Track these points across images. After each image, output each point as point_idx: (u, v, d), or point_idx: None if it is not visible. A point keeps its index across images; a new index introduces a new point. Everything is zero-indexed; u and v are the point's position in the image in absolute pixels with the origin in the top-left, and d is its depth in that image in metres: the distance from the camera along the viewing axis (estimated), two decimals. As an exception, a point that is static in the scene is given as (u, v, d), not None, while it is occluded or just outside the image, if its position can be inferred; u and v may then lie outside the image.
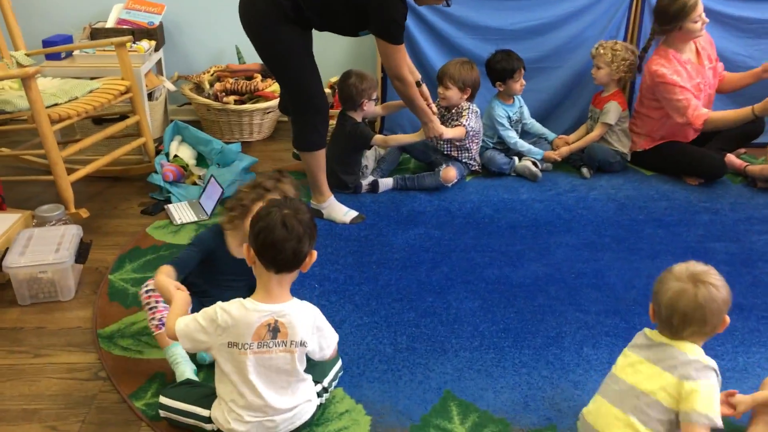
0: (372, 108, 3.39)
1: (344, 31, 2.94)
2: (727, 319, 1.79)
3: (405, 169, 3.68)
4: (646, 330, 1.88)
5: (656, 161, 3.64)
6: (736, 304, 2.53)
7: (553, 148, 3.72)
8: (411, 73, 3.08)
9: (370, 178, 3.44)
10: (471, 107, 3.48)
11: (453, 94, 3.44)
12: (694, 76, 3.46)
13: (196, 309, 2.18)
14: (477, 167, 3.61)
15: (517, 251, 2.93)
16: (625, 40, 3.76)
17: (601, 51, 3.52)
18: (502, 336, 2.39)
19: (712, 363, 1.74)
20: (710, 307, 1.73)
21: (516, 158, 3.64)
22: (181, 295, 1.94)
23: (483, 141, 3.67)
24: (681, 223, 3.15)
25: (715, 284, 1.74)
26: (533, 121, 3.80)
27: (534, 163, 3.59)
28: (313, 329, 1.86)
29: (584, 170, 3.63)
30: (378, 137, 3.33)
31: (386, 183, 3.44)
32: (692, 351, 1.75)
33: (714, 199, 3.38)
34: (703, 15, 3.36)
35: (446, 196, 3.41)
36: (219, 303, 1.82)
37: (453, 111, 3.50)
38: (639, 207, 3.31)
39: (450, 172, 3.43)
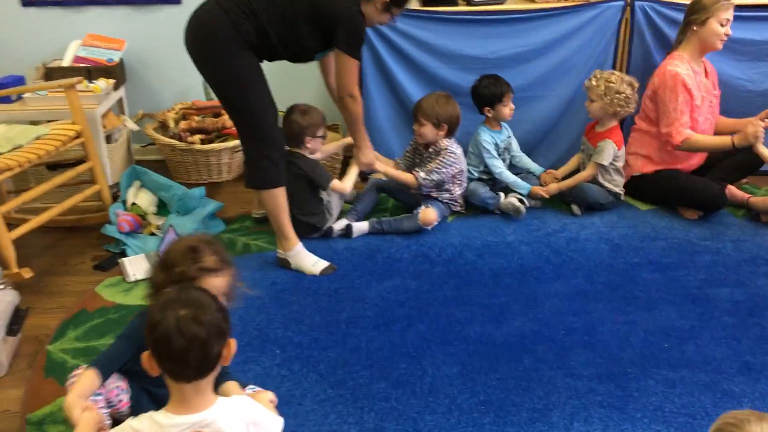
0: (318, 146, 3.17)
1: (304, 54, 2.81)
2: None
3: (384, 209, 3.43)
4: None
5: (654, 189, 3.40)
6: (744, 363, 2.31)
7: (541, 184, 3.48)
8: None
9: (344, 222, 3.18)
10: (450, 148, 3.24)
11: (427, 130, 3.21)
12: (701, 89, 3.27)
13: (144, 402, 1.97)
14: (460, 208, 3.36)
15: (502, 304, 2.68)
16: (613, 66, 3.53)
17: (594, 83, 3.28)
18: (482, 410, 2.13)
19: None
20: None
21: (501, 194, 3.40)
22: (86, 419, 1.70)
23: (469, 171, 3.44)
24: (680, 266, 2.90)
25: None
26: (522, 154, 3.56)
27: (520, 200, 3.34)
28: (247, 427, 1.59)
29: (574, 207, 3.38)
30: (335, 183, 3.12)
31: (361, 227, 3.19)
32: None
33: (715, 236, 3.13)
34: (729, 27, 3.19)
35: (426, 240, 3.16)
36: (129, 420, 1.55)
37: (431, 149, 3.27)
38: (634, 248, 3.05)
39: (429, 215, 3.18)
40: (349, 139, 3.28)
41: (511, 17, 3.48)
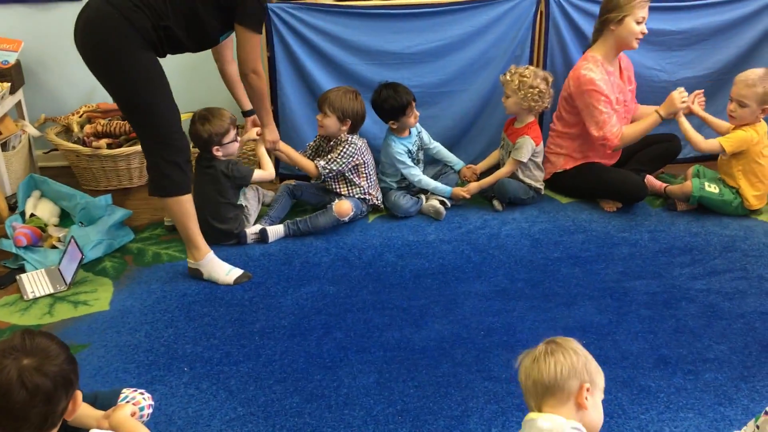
0: (231, 150, 3.05)
1: (208, 38, 2.70)
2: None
3: (302, 212, 3.33)
4: None
5: (575, 183, 3.40)
6: (660, 356, 2.30)
7: (461, 178, 3.43)
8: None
9: (258, 227, 3.07)
10: (350, 139, 3.16)
11: (331, 123, 3.13)
12: (615, 91, 3.26)
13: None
14: (377, 201, 3.28)
15: (421, 306, 2.61)
16: (530, 60, 3.50)
17: (509, 78, 3.25)
18: (399, 420, 2.06)
19: None
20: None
21: (423, 197, 3.33)
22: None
23: (385, 183, 3.36)
24: (599, 259, 2.89)
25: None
26: (438, 145, 3.50)
27: (441, 201, 3.28)
28: None
29: (496, 203, 3.35)
30: (258, 172, 3.09)
31: (277, 231, 3.08)
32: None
33: (633, 227, 3.14)
34: (645, 26, 3.16)
35: (345, 242, 3.07)
36: None
37: (332, 143, 3.19)
38: (554, 242, 3.04)
39: (343, 205, 3.10)
40: (249, 135, 3.18)
41: (427, 11, 3.40)
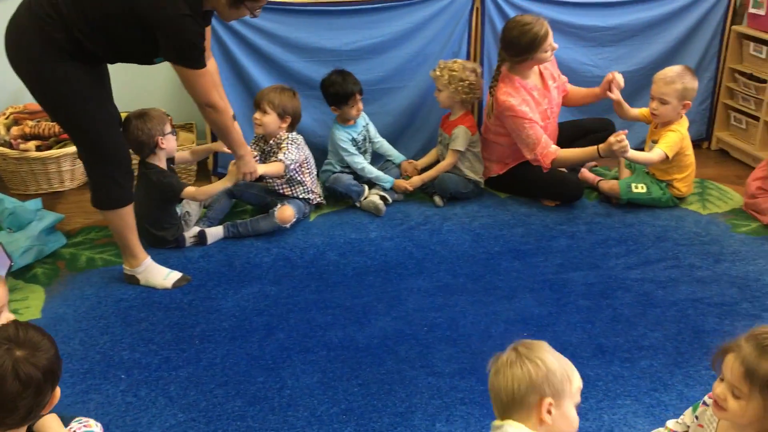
0: (173, 144, 2.95)
1: (137, 59, 2.49)
2: None
3: (243, 212, 3.28)
4: None
5: (511, 185, 3.44)
6: (598, 346, 2.35)
7: (401, 172, 3.45)
8: (223, 100, 2.64)
9: (196, 229, 3.00)
10: (291, 137, 3.13)
11: (270, 120, 3.08)
12: (541, 102, 3.28)
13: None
14: (319, 199, 3.26)
15: (365, 304, 2.60)
16: (467, 55, 3.54)
17: (439, 73, 3.27)
18: (343, 419, 2.04)
19: None
20: None
21: (365, 186, 3.33)
22: None
23: (331, 165, 3.34)
24: (538, 252, 2.94)
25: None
26: (382, 140, 3.50)
27: (382, 197, 3.28)
28: None
29: (437, 199, 3.37)
30: (188, 190, 2.90)
31: (215, 233, 3.02)
32: None
33: (571, 220, 3.20)
34: (553, 42, 3.17)
35: (287, 242, 3.04)
36: None
37: (272, 142, 3.15)
38: (495, 236, 3.07)
39: (286, 212, 3.06)
40: (220, 147, 3.10)
41: (364, 8, 3.40)
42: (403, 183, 3.35)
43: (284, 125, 3.10)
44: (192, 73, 2.37)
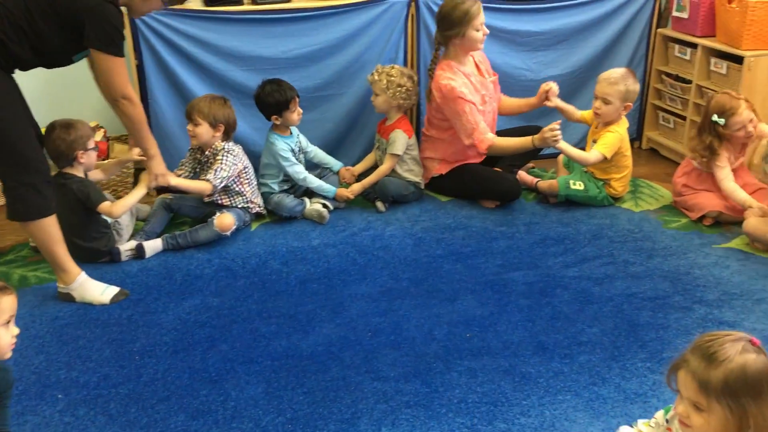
0: (92, 159, 2.90)
1: (57, 57, 2.50)
2: None
3: (181, 225, 3.23)
4: None
5: (452, 185, 3.48)
6: (539, 343, 2.40)
7: (339, 179, 3.45)
8: None
9: (134, 243, 2.95)
10: (227, 147, 3.10)
11: (203, 130, 3.05)
12: (479, 89, 3.35)
13: None
14: (259, 209, 3.23)
15: (308, 312, 2.60)
16: (405, 61, 3.57)
17: (377, 77, 3.30)
18: (289, 429, 2.03)
19: None
20: None
21: (306, 199, 3.32)
22: None
23: (268, 186, 3.32)
24: (479, 254, 2.98)
25: None
26: (315, 148, 3.50)
27: (324, 204, 3.29)
28: None
29: (379, 204, 3.39)
30: (103, 206, 2.82)
31: (154, 246, 2.97)
32: None
33: (510, 222, 3.26)
34: (485, 27, 3.26)
35: (228, 252, 3.01)
36: None
37: (207, 153, 3.12)
38: (437, 240, 3.11)
39: (225, 219, 3.03)
40: (130, 156, 3.04)
41: (299, 15, 3.40)
42: (344, 192, 3.36)
43: (218, 134, 3.07)
44: (115, 61, 2.46)
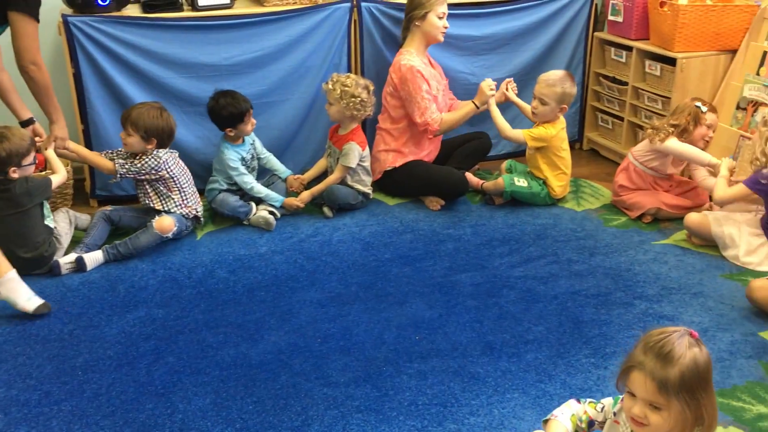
0: (28, 172, 2.82)
1: None
2: None
3: (124, 234, 3.15)
4: None
5: (403, 182, 3.51)
6: (487, 343, 2.43)
7: (287, 187, 3.44)
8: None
9: (74, 255, 2.87)
10: (156, 153, 3.04)
11: (134, 141, 3.01)
12: (435, 78, 3.45)
13: None
14: (196, 213, 3.18)
15: (257, 320, 2.57)
16: (348, 66, 3.58)
17: (331, 86, 3.30)
18: (239, 439, 2.01)
19: None
20: None
21: (253, 204, 3.29)
22: None
23: (217, 182, 3.28)
24: (427, 257, 3.00)
25: None
26: (268, 154, 3.48)
27: (271, 211, 3.26)
28: None
29: (326, 210, 3.38)
30: (54, 179, 2.92)
31: (95, 258, 2.89)
32: None
33: (456, 224, 3.30)
34: (446, 21, 3.37)
35: (173, 262, 2.96)
36: None
37: (137, 157, 3.07)
38: (385, 244, 3.12)
39: (165, 221, 2.99)
40: (53, 168, 2.99)
41: (240, 22, 3.37)
42: (293, 201, 3.34)
43: (150, 147, 3.03)
44: (32, 25, 2.63)
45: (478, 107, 3.42)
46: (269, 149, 3.54)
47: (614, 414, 1.65)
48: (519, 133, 3.39)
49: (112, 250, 2.93)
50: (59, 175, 2.95)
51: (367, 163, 3.45)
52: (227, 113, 3.18)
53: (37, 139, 2.92)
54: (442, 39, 3.43)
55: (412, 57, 3.37)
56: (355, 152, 3.34)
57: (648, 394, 1.45)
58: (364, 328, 2.53)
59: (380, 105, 3.55)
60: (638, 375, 1.46)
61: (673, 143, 3.15)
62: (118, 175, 3.04)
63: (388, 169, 3.52)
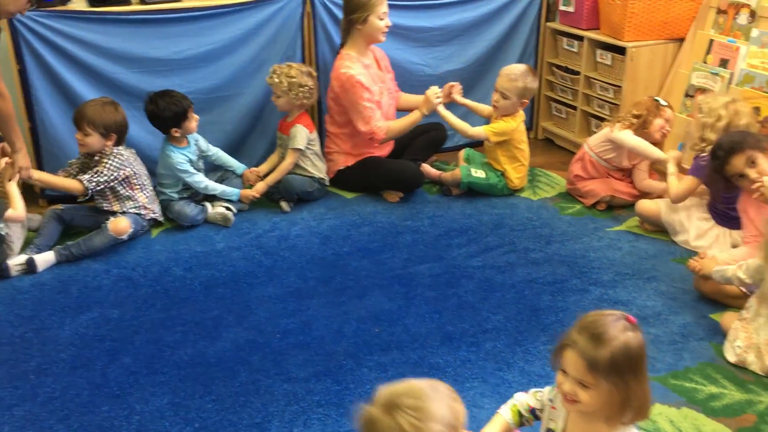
0: None
1: None
2: None
3: (76, 234, 3.08)
4: None
5: (358, 178, 3.49)
6: (446, 334, 2.44)
7: (244, 182, 3.40)
8: None
9: (24, 257, 2.80)
10: (116, 152, 2.98)
11: (94, 140, 2.94)
12: (376, 81, 3.39)
13: None
14: (154, 215, 3.13)
15: (214, 318, 2.54)
16: (302, 59, 3.55)
17: (276, 80, 3.26)
18: (198, 439, 1.99)
19: None
20: None
21: (209, 204, 3.25)
22: None
23: (166, 195, 3.22)
24: (385, 249, 3.01)
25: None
26: (217, 150, 3.42)
27: (227, 207, 3.22)
28: None
29: (283, 204, 3.35)
30: (9, 213, 2.73)
31: (46, 259, 2.83)
32: None
33: (414, 215, 3.31)
34: (388, 19, 3.30)
35: (127, 261, 2.91)
36: None
37: (96, 157, 3.00)
38: (343, 237, 3.11)
39: (120, 223, 2.93)
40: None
41: (191, 15, 3.32)
42: (249, 192, 3.31)
43: (110, 143, 2.96)
44: None
45: (424, 114, 3.37)
46: (224, 144, 3.50)
47: (550, 401, 1.69)
48: (480, 131, 3.39)
49: (64, 251, 2.86)
50: (15, 212, 2.75)
51: (317, 147, 3.42)
52: (170, 113, 3.10)
53: (4, 160, 2.80)
54: (384, 39, 3.38)
55: (352, 64, 3.30)
56: (302, 133, 3.31)
57: (578, 372, 1.48)
58: (324, 322, 2.52)
59: (323, 96, 3.53)
60: (571, 353, 1.49)
61: (626, 134, 3.20)
62: (89, 192, 2.94)
63: (342, 168, 3.51)
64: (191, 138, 3.28)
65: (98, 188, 2.96)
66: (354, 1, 3.25)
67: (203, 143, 3.35)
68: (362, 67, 3.32)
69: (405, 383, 1.35)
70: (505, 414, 1.73)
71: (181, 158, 3.18)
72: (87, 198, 3.01)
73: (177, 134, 3.17)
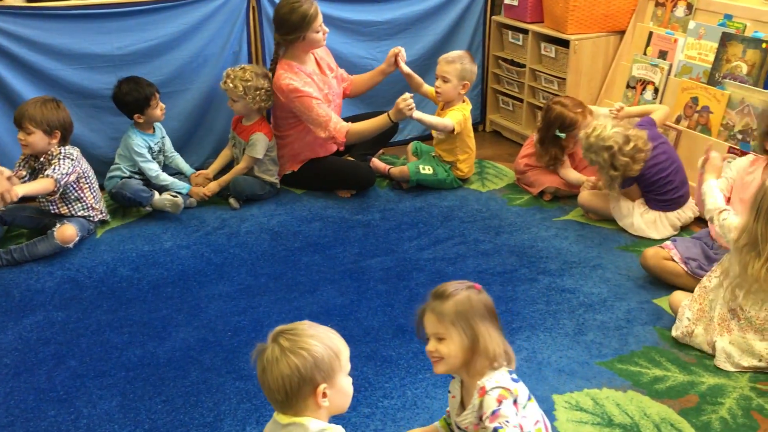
0: None
1: None
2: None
3: (18, 238, 3.00)
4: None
5: (306, 181, 3.47)
6: (398, 326, 2.46)
7: (192, 185, 3.33)
8: None
9: (-38, 261, 2.71)
10: (64, 151, 2.90)
11: (37, 139, 2.85)
12: (321, 87, 3.34)
13: None
14: (102, 216, 3.07)
15: (164, 317, 2.51)
16: (249, 54, 3.51)
17: (230, 85, 3.21)
18: (148, 440, 1.96)
19: None
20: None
21: (156, 192, 3.19)
22: None
23: (120, 170, 3.18)
24: (336, 244, 3.00)
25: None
26: (175, 154, 3.39)
27: (174, 195, 3.17)
28: None
29: (232, 201, 3.32)
30: None
31: (-15, 263, 2.74)
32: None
33: (365, 209, 3.31)
34: (323, 25, 3.24)
35: (72, 262, 2.84)
36: None
37: (42, 159, 2.91)
38: (294, 233, 3.09)
39: (67, 231, 2.86)
40: None
41: (133, 10, 3.25)
42: (200, 190, 3.27)
43: (54, 141, 2.88)
44: None
45: (392, 120, 3.23)
46: (172, 141, 3.44)
47: (449, 392, 1.80)
48: (450, 122, 3.35)
49: (6, 255, 2.78)
50: None
51: (274, 153, 3.40)
52: (131, 98, 3.09)
53: None
54: (324, 44, 3.32)
55: (294, 76, 3.20)
56: (262, 143, 3.29)
57: (432, 327, 1.66)
58: (276, 318, 2.50)
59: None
60: (426, 315, 1.68)
61: (561, 173, 3.36)
62: (58, 186, 2.83)
63: (288, 173, 3.47)
64: (159, 131, 3.26)
65: (66, 180, 2.84)
66: (289, 24, 3.15)
67: (168, 143, 3.34)
68: (305, 76, 3.25)
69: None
70: (438, 424, 1.87)
71: (140, 142, 3.16)
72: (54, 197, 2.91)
73: (141, 120, 3.14)
